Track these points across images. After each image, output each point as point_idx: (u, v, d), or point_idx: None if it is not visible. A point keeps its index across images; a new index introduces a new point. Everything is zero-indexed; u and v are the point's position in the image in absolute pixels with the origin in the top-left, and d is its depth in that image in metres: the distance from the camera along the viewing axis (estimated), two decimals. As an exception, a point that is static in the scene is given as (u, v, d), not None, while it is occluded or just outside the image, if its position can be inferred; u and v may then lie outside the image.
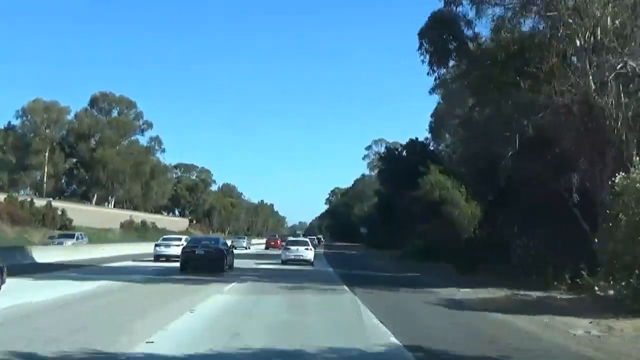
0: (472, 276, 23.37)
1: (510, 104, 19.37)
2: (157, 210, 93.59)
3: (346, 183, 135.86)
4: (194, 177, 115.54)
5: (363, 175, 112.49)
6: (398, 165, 48.05)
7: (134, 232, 68.25)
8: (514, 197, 21.24)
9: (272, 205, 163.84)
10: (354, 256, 50.76)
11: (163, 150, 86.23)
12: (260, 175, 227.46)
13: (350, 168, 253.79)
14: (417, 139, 50.16)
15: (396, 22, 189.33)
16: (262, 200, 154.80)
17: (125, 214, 73.91)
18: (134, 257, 33.17)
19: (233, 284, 18.48)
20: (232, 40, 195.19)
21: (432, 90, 50.33)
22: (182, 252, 24.76)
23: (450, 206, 25.47)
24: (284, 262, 30.55)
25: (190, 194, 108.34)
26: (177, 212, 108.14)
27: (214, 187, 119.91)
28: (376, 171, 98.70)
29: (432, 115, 51.10)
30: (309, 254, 31.40)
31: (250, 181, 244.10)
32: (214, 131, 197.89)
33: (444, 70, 22.38)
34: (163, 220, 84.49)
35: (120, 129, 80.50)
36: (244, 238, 66.58)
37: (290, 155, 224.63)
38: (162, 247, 31.80)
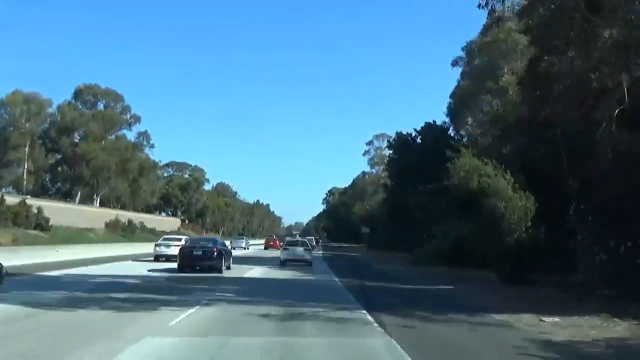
0: (524, 289, 17.67)
1: (603, 48, 13.14)
2: (148, 210, 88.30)
3: (344, 183, 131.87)
4: (186, 176, 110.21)
5: (363, 173, 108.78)
6: (412, 154, 41.96)
7: (120, 232, 62.85)
8: (596, 184, 15.17)
9: (267, 205, 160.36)
10: (357, 259, 44.83)
11: (152, 146, 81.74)
12: (256, 175, 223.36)
13: (348, 168, 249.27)
14: (434, 121, 43.89)
15: (396, 16, 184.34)
16: (257, 200, 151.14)
17: (111, 213, 68.45)
18: (96, 261, 27.71)
19: (195, 308, 12.27)
20: (227, 35, 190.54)
21: (455, 63, 44.35)
22: (179, 252, 24.58)
23: (494, 198, 19.43)
24: (283, 262, 30.90)
25: (183, 193, 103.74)
26: (169, 212, 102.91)
27: (207, 187, 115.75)
28: (377, 167, 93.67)
29: (451, 96, 44.66)
30: (308, 254, 32.06)
31: (246, 181, 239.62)
32: (208, 129, 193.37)
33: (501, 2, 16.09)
34: (152, 220, 79.31)
35: (106, 122, 75.62)
36: (243, 238, 65.41)
37: (287, 155, 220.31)
38: (162, 247, 32.03)
